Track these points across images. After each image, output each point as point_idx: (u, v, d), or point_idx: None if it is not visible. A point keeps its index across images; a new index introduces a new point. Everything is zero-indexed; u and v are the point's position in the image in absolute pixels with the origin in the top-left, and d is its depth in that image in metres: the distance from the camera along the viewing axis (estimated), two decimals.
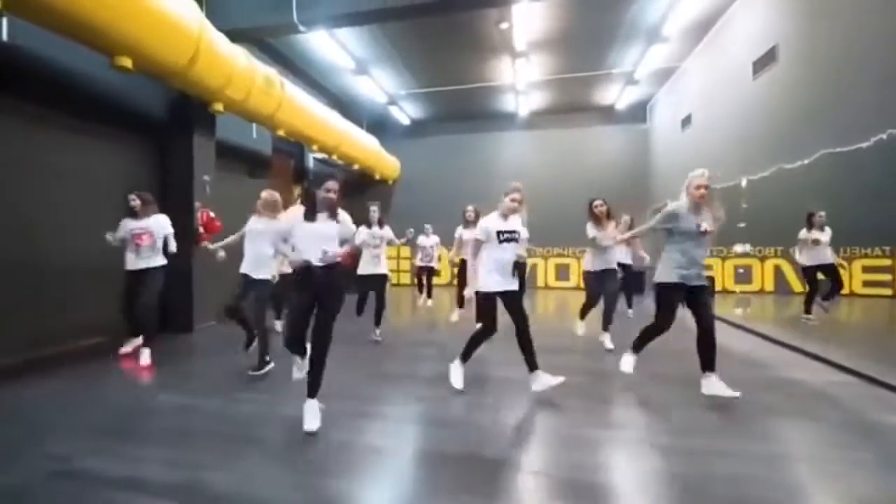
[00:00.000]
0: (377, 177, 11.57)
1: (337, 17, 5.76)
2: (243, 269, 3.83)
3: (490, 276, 3.29)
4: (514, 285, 3.33)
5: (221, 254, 4.10)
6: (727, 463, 2.22)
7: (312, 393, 2.69)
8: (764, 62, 6.58)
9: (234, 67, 5.26)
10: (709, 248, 3.24)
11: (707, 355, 3.14)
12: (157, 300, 4.29)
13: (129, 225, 4.20)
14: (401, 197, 12.62)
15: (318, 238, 2.74)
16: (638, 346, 3.50)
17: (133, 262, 4.20)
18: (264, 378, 3.66)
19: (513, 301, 3.31)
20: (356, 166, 10.09)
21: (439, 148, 12.74)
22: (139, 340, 4.21)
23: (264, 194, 3.89)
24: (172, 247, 4.36)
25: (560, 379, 3.16)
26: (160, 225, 4.24)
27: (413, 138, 12.96)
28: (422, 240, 7.34)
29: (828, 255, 5.47)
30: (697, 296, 3.15)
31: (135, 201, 4.22)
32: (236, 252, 4.00)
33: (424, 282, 7.60)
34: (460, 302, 6.05)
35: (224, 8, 5.63)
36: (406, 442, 2.53)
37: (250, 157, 7.71)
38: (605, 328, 4.69)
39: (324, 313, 2.74)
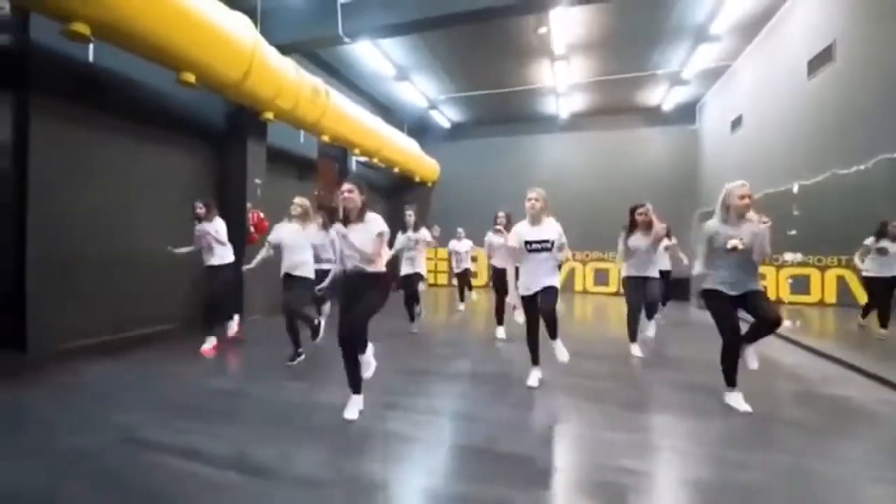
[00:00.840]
0: (417, 179, 11.86)
1: (379, 29, 6.06)
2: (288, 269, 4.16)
3: (523, 283, 3.43)
4: (548, 282, 3.33)
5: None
6: (743, 473, 2.20)
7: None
8: (820, 61, 6.18)
9: (284, 79, 5.66)
10: (759, 256, 3.01)
11: (755, 332, 3.03)
12: (224, 291, 4.73)
13: (197, 229, 4.65)
14: (440, 199, 12.79)
15: (348, 243, 2.88)
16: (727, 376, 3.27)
17: (206, 260, 4.67)
18: (305, 368, 3.95)
19: (545, 296, 3.33)
20: (396, 169, 10.42)
21: (479, 150, 12.82)
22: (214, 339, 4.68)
23: (297, 200, 4.19)
24: (223, 239, 4.70)
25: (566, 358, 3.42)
26: (216, 228, 4.63)
27: (453, 141, 13.12)
28: (453, 244, 7.39)
29: None
30: (750, 300, 3.02)
31: (200, 209, 4.62)
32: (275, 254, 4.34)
33: (459, 286, 7.71)
34: (499, 317, 5.38)
35: (276, 24, 6.08)
36: (429, 432, 2.67)
37: (299, 161, 8.21)
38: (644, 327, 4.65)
39: (352, 313, 2.89)
